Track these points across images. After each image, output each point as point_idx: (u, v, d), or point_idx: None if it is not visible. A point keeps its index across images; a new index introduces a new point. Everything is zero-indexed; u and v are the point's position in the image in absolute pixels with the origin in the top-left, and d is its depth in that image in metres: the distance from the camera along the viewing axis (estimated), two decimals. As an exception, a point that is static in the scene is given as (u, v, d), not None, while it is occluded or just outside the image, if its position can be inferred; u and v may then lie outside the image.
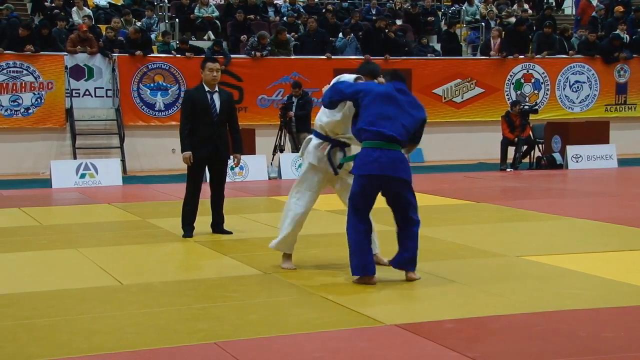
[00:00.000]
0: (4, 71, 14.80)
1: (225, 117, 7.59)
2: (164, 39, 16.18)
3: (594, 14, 20.26)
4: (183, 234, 7.63)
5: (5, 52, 14.74)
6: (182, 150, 7.51)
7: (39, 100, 14.98)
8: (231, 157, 7.71)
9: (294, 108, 14.03)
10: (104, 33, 15.94)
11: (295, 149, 14.00)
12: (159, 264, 6.56)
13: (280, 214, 6.13)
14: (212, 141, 7.48)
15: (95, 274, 6.09)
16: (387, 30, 16.86)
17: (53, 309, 4.99)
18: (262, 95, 16.11)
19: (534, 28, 18.66)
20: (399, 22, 18.63)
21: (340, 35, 17.09)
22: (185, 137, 7.49)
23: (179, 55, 15.63)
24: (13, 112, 14.89)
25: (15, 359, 4.00)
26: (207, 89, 7.51)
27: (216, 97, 7.54)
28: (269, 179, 13.50)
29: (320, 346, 4.20)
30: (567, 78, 17.82)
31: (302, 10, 18.53)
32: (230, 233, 7.73)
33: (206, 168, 7.78)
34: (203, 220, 7.77)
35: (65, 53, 15.09)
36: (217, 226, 7.77)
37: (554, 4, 21.96)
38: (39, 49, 14.85)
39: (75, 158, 14.36)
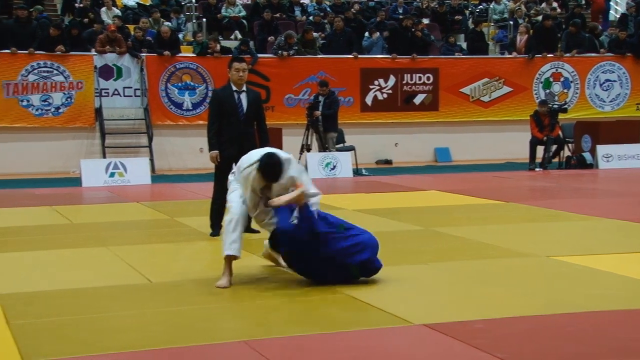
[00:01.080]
0: (35, 71, 14.98)
1: (253, 116, 7.60)
2: (196, 39, 16.22)
3: (625, 11, 19.99)
4: (211, 232, 7.67)
5: (36, 52, 14.93)
6: (210, 150, 7.55)
7: (69, 99, 15.14)
8: (258, 156, 7.72)
9: (320, 107, 14.03)
10: (132, 33, 16.07)
11: (322, 148, 14.00)
12: (187, 262, 6.60)
13: None
14: (239, 140, 7.48)
15: (125, 272, 6.14)
16: (413, 29, 16.80)
17: (82, 306, 5.04)
18: (289, 94, 16.14)
19: (563, 26, 18.46)
20: (425, 20, 18.54)
21: (367, 34, 17.06)
22: (212, 137, 7.52)
23: (207, 55, 15.68)
24: (44, 111, 15.07)
25: (41, 356, 4.04)
26: (234, 88, 7.53)
27: (243, 96, 7.55)
28: (296, 178, 13.47)
29: (350, 345, 4.19)
30: (597, 77, 17.61)
31: (328, 9, 18.53)
32: (258, 232, 7.73)
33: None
34: (231, 219, 7.79)
35: (95, 53, 15.24)
36: (244, 225, 7.78)
37: (583, 2, 21.70)
38: (69, 49, 15.02)
39: (104, 157, 14.50)
